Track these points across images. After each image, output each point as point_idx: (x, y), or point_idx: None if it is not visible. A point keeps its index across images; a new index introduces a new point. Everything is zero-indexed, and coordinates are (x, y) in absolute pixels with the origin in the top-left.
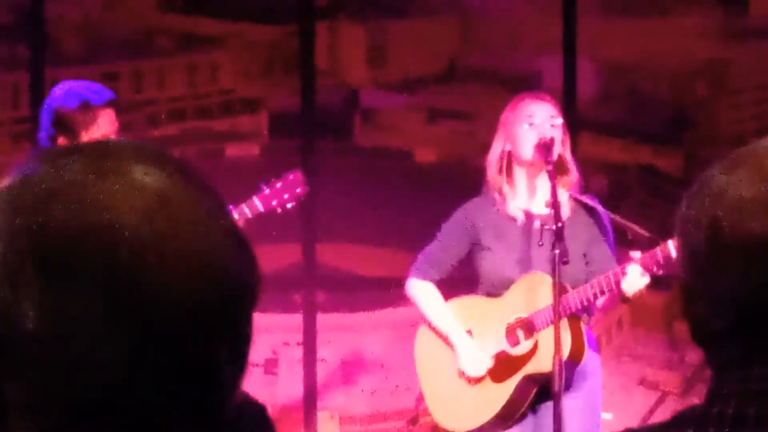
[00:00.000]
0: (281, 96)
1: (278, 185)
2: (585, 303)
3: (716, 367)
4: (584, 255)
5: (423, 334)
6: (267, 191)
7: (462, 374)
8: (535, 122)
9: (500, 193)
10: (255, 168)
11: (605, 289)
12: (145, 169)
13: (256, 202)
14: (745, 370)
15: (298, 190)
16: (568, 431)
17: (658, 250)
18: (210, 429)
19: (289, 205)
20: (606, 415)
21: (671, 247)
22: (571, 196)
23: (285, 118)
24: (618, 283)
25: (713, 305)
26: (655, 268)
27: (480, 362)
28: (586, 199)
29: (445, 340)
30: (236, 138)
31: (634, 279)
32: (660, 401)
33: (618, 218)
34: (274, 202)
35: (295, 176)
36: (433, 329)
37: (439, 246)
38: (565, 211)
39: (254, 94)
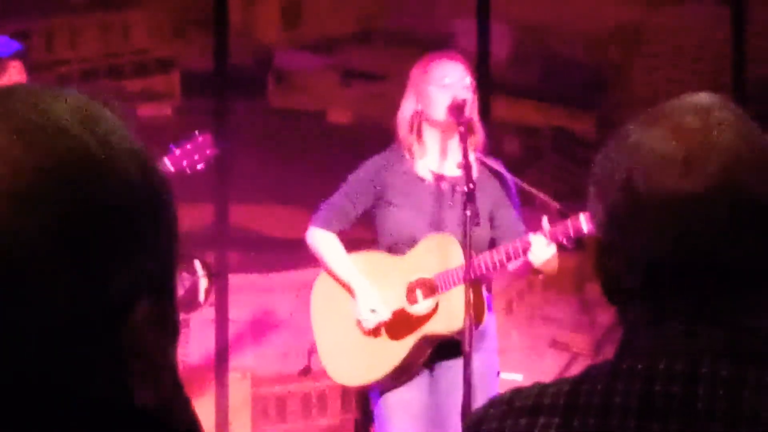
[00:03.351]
0: (194, 56)
1: (188, 146)
2: (490, 269)
3: (627, 323)
4: (490, 218)
5: (321, 285)
6: (177, 152)
7: (358, 326)
8: (448, 83)
9: (410, 152)
10: (168, 128)
11: (512, 257)
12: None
13: (166, 162)
14: (655, 327)
15: (207, 152)
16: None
17: (569, 223)
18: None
19: (198, 167)
20: (517, 376)
21: (582, 220)
22: (477, 158)
23: (198, 78)
24: (525, 252)
25: (626, 261)
26: (564, 241)
27: (378, 312)
28: (492, 163)
29: (346, 288)
30: (149, 98)
31: (539, 249)
32: (571, 363)
33: (525, 185)
34: (184, 163)
35: (205, 138)
36: (333, 278)
37: (343, 197)
38: (473, 172)
39: (167, 54)
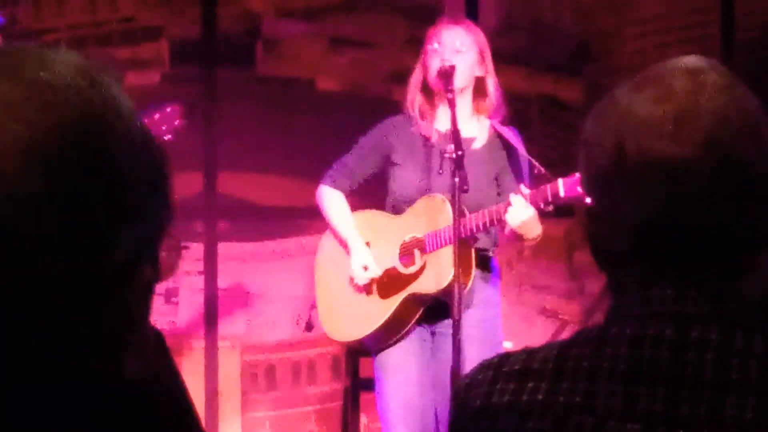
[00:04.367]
0: (182, 24)
1: (156, 117)
2: (474, 231)
3: (616, 288)
4: (497, 184)
5: (325, 243)
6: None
7: (351, 282)
8: (440, 48)
9: (416, 112)
10: (156, 96)
11: (494, 219)
12: None
13: None
14: (644, 292)
15: (176, 123)
16: (466, 358)
17: (547, 187)
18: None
19: (166, 138)
20: (507, 344)
21: (560, 185)
22: (491, 124)
23: (186, 46)
24: (506, 212)
25: (615, 226)
26: (542, 205)
27: (370, 269)
28: (507, 132)
29: (344, 245)
30: (137, 66)
31: (517, 210)
32: (560, 330)
33: (530, 157)
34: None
35: (173, 109)
36: (336, 236)
37: (353, 158)
38: (483, 136)
39: (155, 22)
